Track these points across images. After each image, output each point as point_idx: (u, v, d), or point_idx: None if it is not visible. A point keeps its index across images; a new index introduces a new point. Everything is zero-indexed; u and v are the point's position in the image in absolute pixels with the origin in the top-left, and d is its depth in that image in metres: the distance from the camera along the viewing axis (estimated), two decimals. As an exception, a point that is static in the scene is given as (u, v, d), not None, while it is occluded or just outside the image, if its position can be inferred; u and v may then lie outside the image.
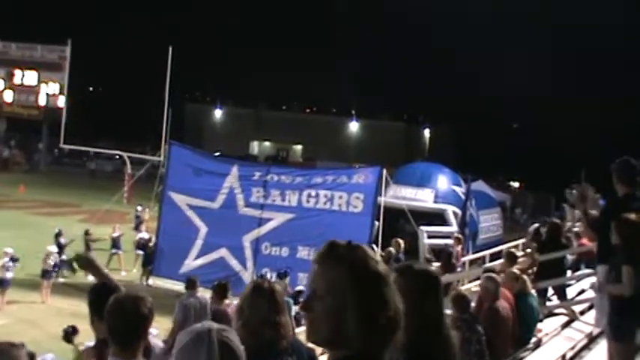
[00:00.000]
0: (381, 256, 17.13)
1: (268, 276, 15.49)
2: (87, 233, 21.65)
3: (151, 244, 21.69)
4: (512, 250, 11.79)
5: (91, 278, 17.01)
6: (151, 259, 21.25)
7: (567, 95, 71.05)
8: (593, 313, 8.87)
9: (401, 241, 17.49)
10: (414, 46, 79.44)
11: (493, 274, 8.65)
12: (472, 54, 77.44)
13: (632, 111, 61.65)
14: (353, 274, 1.98)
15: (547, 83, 72.18)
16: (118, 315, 3.42)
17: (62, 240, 20.75)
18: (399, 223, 22.16)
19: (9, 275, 17.53)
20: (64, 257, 20.38)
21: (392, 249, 16.87)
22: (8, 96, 50.80)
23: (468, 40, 77.57)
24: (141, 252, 22.45)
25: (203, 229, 20.18)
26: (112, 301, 3.51)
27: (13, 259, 17.57)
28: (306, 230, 18.73)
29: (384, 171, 19.65)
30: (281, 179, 19.98)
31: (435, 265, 15.21)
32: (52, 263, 18.91)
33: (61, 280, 19.89)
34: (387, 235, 19.22)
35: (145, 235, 23.28)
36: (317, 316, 1.99)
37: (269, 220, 19.70)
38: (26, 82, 50.30)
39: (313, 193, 19.50)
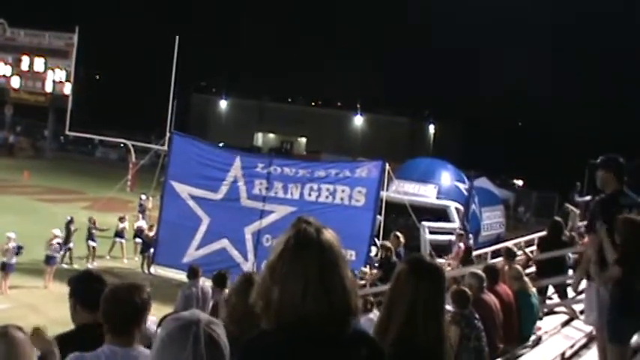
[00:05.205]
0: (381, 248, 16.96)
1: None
2: (91, 221, 21.73)
3: (149, 233, 21.76)
4: (511, 247, 11.78)
5: (95, 264, 17.07)
6: (148, 246, 21.37)
7: (570, 93, 71.02)
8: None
9: (400, 235, 17.14)
10: (419, 41, 79.28)
11: (477, 271, 8.69)
12: (478, 51, 77.35)
13: (636, 110, 61.63)
14: None
15: (550, 81, 72.22)
16: (113, 303, 3.51)
17: (72, 227, 20.90)
18: (390, 217, 21.64)
19: (13, 260, 17.61)
20: (70, 245, 20.57)
21: (388, 243, 16.45)
22: (15, 82, 50.96)
23: (474, 36, 77.47)
24: (139, 240, 22.57)
25: (205, 220, 20.21)
26: (108, 290, 3.61)
27: (19, 248, 17.62)
28: (307, 223, 18.62)
29: (387, 165, 19.59)
30: (284, 171, 19.95)
31: (440, 260, 15.17)
32: (58, 246, 19.01)
33: (65, 266, 19.96)
34: (387, 230, 19.16)
35: (142, 223, 23.37)
36: None
37: (270, 212, 19.70)
38: (33, 69, 50.38)
39: (315, 186, 19.47)
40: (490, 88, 73.18)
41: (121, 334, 3.46)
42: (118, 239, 22.71)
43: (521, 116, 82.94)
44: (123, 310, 3.46)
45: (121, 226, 22.76)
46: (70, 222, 21.01)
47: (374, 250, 18.19)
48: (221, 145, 37.44)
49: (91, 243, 21.38)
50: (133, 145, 41.68)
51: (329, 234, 2.32)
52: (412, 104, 78.76)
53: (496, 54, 75.47)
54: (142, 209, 26.03)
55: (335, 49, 79.47)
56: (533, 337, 9.31)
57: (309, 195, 19.51)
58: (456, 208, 23.62)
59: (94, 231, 21.47)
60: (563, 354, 8.99)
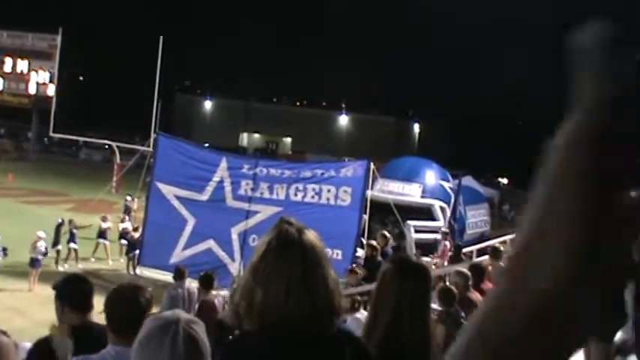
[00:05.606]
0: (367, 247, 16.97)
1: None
2: (71, 224, 21.62)
3: (134, 234, 21.67)
4: (498, 246, 11.85)
5: (80, 266, 17.03)
6: (133, 247, 21.31)
7: (559, 93, 71.34)
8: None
9: (388, 234, 17.23)
10: (405, 41, 79.42)
11: (463, 269, 8.74)
12: (478, 51, 77.57)
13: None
14: None
15: (550, 81, 72.49)
16: (118, 303, 3.59)
17: (62, 230, 20.99)
18: (375, 216, 21.46)
19: (-3, 263, 17.54)
20: (59, 247, 20.57)
21: (374, 242, 16.48)
22: (-2, 84, 50.61)
23: (474, 36, 77.72)
24: (125, 242, 22.47)
25: (190, 221, 20.12)
26: (112, 291, 3.71)
27: (3, 250, 17.54)
28: (293, 223, 18.59)
29: (372, 165, 19.61)
30: (270, 172, 19.93)
31: (425, 259, 15.15)
32: (42, 249, 18.90)
33: (55, 266, 19.94)
34: (372, 229, 19.18)
35: (128, 224, 23.28)
36: None
37: (256, 212, 19.67)
38: (16, 71, 50.06)
39: (301, 186, 19.44)
40: (474, 87, 73.45)
41: (125, 334, 3.47)
42: (101, 240, 22.60)
43: (521, 116, 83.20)
44: (128, 310, 3.50)
45: (103, 226, 22.62)
46: (61, 224, 21.08)
47: (360, 251, 18.15)
48: (206, 145, 37.41)
49: (72, 245, 21.30)
50: (117, 147, 41.55)
51: (311, 234, 2.33)
52: (397, 103, 78.92)
53: (496, 54, 75.72)
54: (128, 210, 25.93)
55: (319, 49, 79.46)
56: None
57: (295, 195, 19.48)
58: (441, 207, 23.68)
59: (75, 231, 21.40)
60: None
